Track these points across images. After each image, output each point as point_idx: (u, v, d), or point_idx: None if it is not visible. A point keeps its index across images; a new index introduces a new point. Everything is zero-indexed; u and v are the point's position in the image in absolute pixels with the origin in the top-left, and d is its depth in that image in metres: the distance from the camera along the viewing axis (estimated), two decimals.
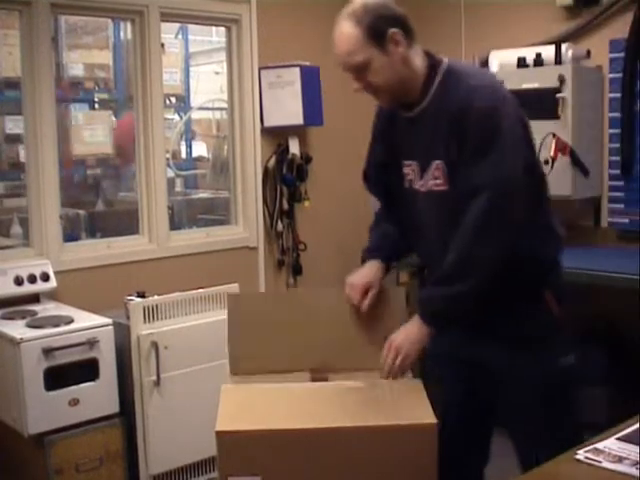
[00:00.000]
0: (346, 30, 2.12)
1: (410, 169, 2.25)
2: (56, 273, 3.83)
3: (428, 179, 2.19)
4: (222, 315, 3.61)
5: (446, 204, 2.16)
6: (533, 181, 2.17)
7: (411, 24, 2.17)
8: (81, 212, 5.49)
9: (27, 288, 3.74)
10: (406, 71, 2.15)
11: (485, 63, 4.52)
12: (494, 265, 2.06)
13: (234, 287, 3.80)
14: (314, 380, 2.26)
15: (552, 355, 2.21)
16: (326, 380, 2.26)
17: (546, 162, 3.99)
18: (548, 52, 4.18)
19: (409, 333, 2.15)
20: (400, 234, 2.40)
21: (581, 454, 1.66)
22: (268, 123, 4.72)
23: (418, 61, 2.18)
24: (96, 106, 6.14)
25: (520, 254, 2.09)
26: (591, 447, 1.70)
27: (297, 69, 4.61)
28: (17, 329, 3.35)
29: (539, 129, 4.02)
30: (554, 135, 3.98)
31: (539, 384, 2.19)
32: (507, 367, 2.21)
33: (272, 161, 4.81)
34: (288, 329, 2.36)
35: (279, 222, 4.86)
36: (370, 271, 2.38)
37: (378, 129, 2.41)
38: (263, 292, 4.61)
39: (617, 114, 4.24)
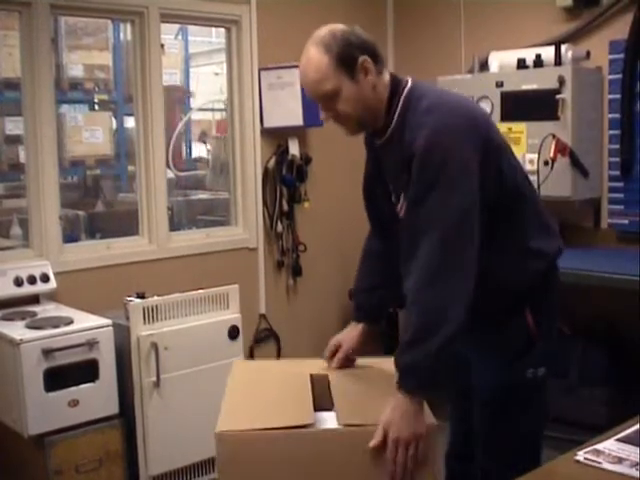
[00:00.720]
0: (315, 58, 2.07)
1: (392, 190, 2.25)
2: (56, 274, 3.83)
3: (402, 207, 2.16)
4: (222, 316, 3.66)
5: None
6: (502, 205, 2.10)
7: (379, 51, 2.12)
8: (81, 213, 5.50)
9: (27, 289, 3.74)
10: (375, 99, 2.10)
11: (485, 64, 4.52)
12: (462, 309, 1.94)
13: (234, 288, 3.80)
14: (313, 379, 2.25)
15: (519, 366, 2.18)
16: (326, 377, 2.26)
17: (546, 163, 4.00)
18: (548, 53, 4.18)
19: (404, 417, 1.91)
20: (388, 267, 2.32)
21: (581, 455, 1.66)
22: (268, 124, 4.72)
23: (384, 88, 2.12)
24: (96, 107, 6.15)
25: (493, 281, 2.08)
26: (591, 448, 1.70)
27: (297, 70, 4.59)
28: (17, 330, 3.35)
29: (539, 130, 4.04)
30: (554, 136, 3.98)
31: (498, 393, 2.17)
32: (477, 374, 2.25)
33: (272, 162, 4.81)
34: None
35: (279, 223, 4.85)
36: (347, 335, 2.36)
37: (368, 142, 2.38)
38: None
39: (617, 115, 4.25)
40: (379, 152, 2.24)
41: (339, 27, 2.11)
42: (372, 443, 1.89)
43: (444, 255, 1.93)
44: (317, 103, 2.15)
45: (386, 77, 2.13)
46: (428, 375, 1.94)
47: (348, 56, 2.04)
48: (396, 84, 2.13)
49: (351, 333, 2.36)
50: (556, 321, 2.31)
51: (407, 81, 2.15)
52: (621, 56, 4.17)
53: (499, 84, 4.28)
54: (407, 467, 1.89)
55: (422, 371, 1.92)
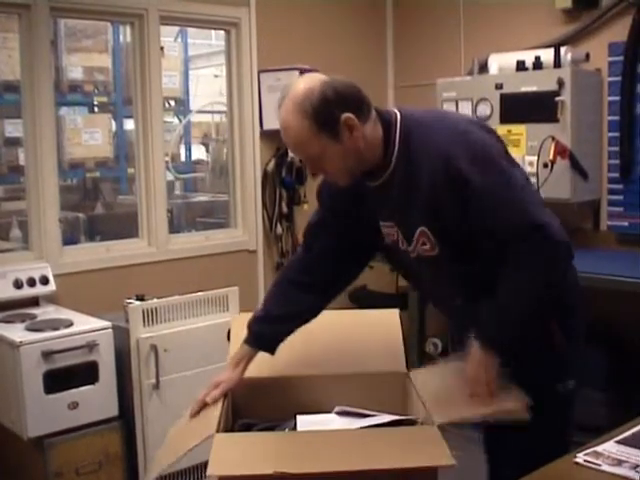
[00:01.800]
0: (293, 122, 1.92)
1: (392, 230, 2.13)
2: (55, 276, 3.83)
3: (416, 245, 2.07)
4: (221, 318, 3.66)
5: (440, 266, 2.07)
6: None
7: (361, 94, 1.97)
8: (80, 215, 5.50)
9: (26, 291, 3.74)
10: (364, 150, 1.98)
11: (484, 66, 4.52)
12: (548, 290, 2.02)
13: (233, 290, 3.80)
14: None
15: (549, 381, 2.15)
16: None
17: (545, 165, 4.00)
18: (547, 55, 4.18)
19: (486, 360, 2.01)
20: (309, 300, 2.26)
21: (580, 457, 1.66)
22: (267, 126, 4.72)
23: (373, 131, 1.99)
24: (95, 109, 6.15)
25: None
26: (590, 450, 1.69)
27: (296, 72, 4.60)
28: (16, 332, 3.35)
29: (538, 132, 4.04)
30: (553, 138, 3.98)
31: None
32: None
33: (271, 164, 4.81)
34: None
35: (278, 225, 4.85)
36: (229, 373, 2.22)
37: (325, 198, 2.29)
38: None
39: (616, 117, 4.24)
40: (371, 193, 2.11)
41: (316, 82, 1.93)
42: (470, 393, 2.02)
43: (543, 241, 1.92)
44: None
45: (373, 119, 2.00)
46: (508, 339, 2.01)
47: (327, 116, 1.90)
48: (386, 121, 2.02)
49: (235, 372, 2.21)
50: (582, 330, 2.25)
51: (395, 114, 2.04)
52: (620, 58, 4.17)
53: (498, 86, 4.28)
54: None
55: (504, 336, 2.00)
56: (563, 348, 2.15)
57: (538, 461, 1.70)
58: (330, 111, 1.90)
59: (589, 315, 2.30)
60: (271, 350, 2.24)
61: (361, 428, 2.05)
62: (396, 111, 2.06)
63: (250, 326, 2.25)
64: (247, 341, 2.24)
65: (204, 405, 2.17)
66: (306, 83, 1.94)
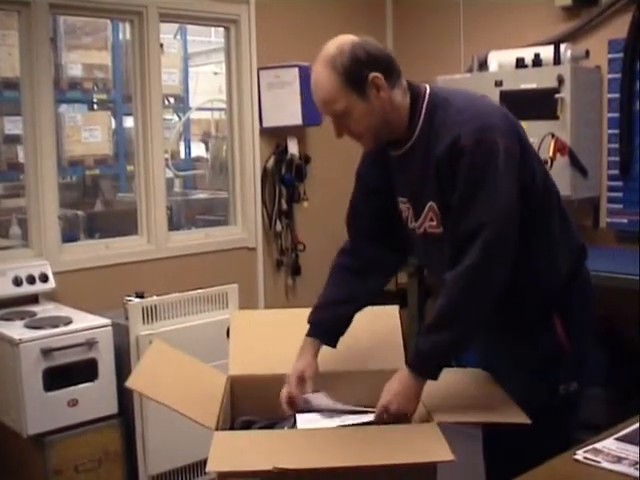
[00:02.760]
0: (322, 77, 1.99)
1: (405, 207, 2.18)
2: (55, 274, 3.83)
3: (423, 221, 2.11)
4: (221, 315, 3.66)
5: (443, 246, 2.08)
6: (531, 206, 2.06)
7: (392, 60, 2.04)
8: (80, 213, 5.50)
9: (26, 289, 3.74)
10: (390, 113, 2.03)
11: (484, 63, 4.52)
12: (488, 304, 1.99)
13: (233, 288, 3.80)
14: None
15: (551, 382, 2.15)
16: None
17: (545, 162, 3.99)
18: (547, 52, 4.17)
19: (408, 390, 2.01)
20: (359, 284, 2.29)
21: (580, 454, 1.66)
22: (267, 123, 4.72)
23: (401, 98, 2.05)
24: (95, 107, 6.15)
25: (524, 280, 2.06)
26: (590, 447, 1.69)
27: (296, 69, 4.61)
28: (16, 330, 3.35)
29: (538, 129, 4.03)
30: (553, 135, 3.98)
31: (527, 412, 2.04)
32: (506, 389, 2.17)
33: (271, 161, 4.81)
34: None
35: (278, 222, 4.85)
36: (306, 362, 2.21)
37: (362, 177, 2.33)
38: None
39: (616, 114, 4.24)
40: (394, 164, 2.17)
41: (348, 42, 2.00)
42: (375, 417, 2.00)
43: (488, 257, 1.93)
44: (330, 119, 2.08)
45: (403, 88, 2.06)
46: (441, 362, 2.00)
47: (357, 74, 1.96)
48: (415, 93, 2.07)
49: (307, 358, 2.21)
50: (589, 330, 2.24)
51: (425, 88, 2.10)
52: (620, 55, 4.17)
53: (498, 83, 4.27)
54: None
55: (438, 357, 2.00)
56: (566, 349, 2.14)
57: (535, 462, 1.70)
58: (358, 69, 1.96)
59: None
60: (330, 338, 2.24)
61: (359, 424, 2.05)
62: (426, 86, 2.11)
63: (309, 318, 2.27)
64: (308, 334, 2.25)
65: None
66: (338, 42, 2.01)
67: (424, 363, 2.01)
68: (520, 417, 1.99)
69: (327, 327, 2.26)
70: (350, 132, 2.07)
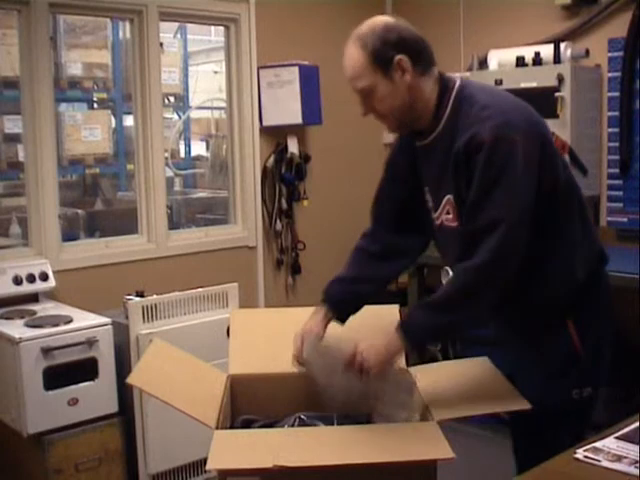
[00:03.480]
0: (351, 54, 2.05)
1: (428, 196, 2.20)
2: (55, 273, 3.83)
3: (440, 213, 2.14)
4: (221, 314, 3.66)
5: (457, 240, 2.08)
6: (550, 205, 2.06)
7: (425, 48, 2.07)
8: (80, 212, 5.50)
9: (26, 288, 3.74)
10: (413, 99, 2.05)
11: (484, 62, 4.52)
12: (490, 302, 2.01)
13: (233, 286, 3.80)
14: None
15: (563, 384, 2.14)
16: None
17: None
18: (547, 51, 4.18)
19: (383, 348, 2.04)
20: (378, 267, 2.32)
21: (580, 453, 1.66)
22: (267, 122, 4.72)
23: (429, 87, 2.07)
24: (95, 105, 6.15)
25: (541, 279, 2.08)
26: (590, 446, 1.69)
27: (296, 68, 4.61)
28: (16, 329, 3.35)
29: None
30: (553, 134, 3.95)
31: (539, 414, 2.06)
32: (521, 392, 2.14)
33: (271, 160, 4.81)
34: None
35: (278, 221, 4.85)
36: (312, 322, 2.25)
37: (390, 165, 2.36)
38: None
39: (616, 113, 4.24)
40: (419, 154, 2.18)
41: (381, 22, 2.06)
42: (346, 358, 2.03)
43: (499, 255, 1.93)
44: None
45: (433, 77, 2.08)
46: (430, 339, 2.10)
47: (383, 54, 2.01)
48: (445, 85, 2.09)
49: (316, 320, 2.24)
50: (605, 336, 2.23)
51: (455, 81, 2.11)
52: (620, 54, 4.17)
53: (498, 82, 4.27)
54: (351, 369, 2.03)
55: (431, 334, 2.08)
56: (580, 353, 2.13)
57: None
58: (386, 49, 2.01)
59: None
60: (340, 312, 2.27)
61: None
62: (458, 79, 2.12)
63: (324, 290, 2.31)
64: (320, 303, 2.28)
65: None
66: (372, 21, 2.08)
67: (416, 333, 2.04)
68: (520, 403, 1.99)
69: (339, 300, 2.28)
70: (374, 111, 2.10)
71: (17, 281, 3.70)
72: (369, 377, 2.03)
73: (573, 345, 2.12)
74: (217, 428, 1.97)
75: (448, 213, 2.11)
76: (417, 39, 2.06)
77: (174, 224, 5.27)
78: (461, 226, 2.07)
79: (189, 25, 6.71)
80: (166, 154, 5.11)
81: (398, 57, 2.00)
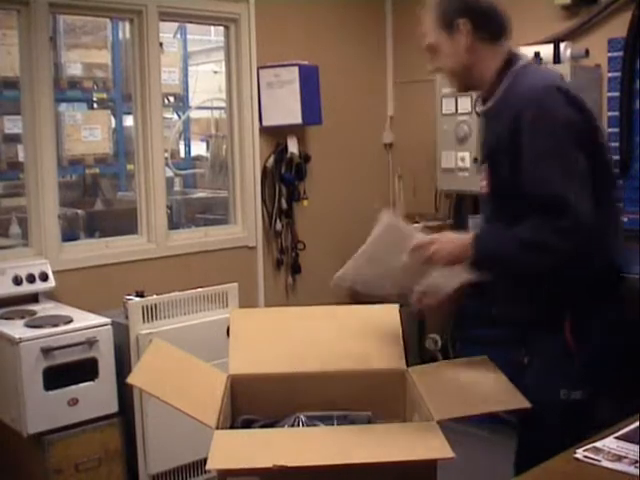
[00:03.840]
0: (424, 13, 2.23)
1: (480, 159, 2.37)
2: (55, 273, 3.83)
3: (482, 178, 2.25)
4: (221, 314, 3.66)
5: (488, 207, 2.23)
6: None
7: (494, 19, 2.22)
8: (80, 212, 5.50)
9: (26, 288, 3.74)
10: (472, 62, 2.20)
11: None
12: (554, 266, 2.03)
13: (233, 286, 3.80)
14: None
15: (552, 385, 2.13)
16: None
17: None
18: (547, 51, 4.17)
19: (455, 250, 2.09)
20: None
21: (580, 453, 1.66)
22: (267, 122, 4.72)
23: (491, 56, 2.20)
24: (95, 105, 6.15)
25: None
26: (590, 446, 1.70)
27: (296, 68, 4.61)
28: (16, 329, 3.35)
29: None
30: None
31: (534, 412, 2.06)
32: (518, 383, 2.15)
33: (271, 160, 4.80)
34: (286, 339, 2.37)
35: (278, 221, 4.85)
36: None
37: None
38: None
39: (616, 113, 4.24)
40: (480, 119, 2.36)
41: None
42: (416, 242, 2.11)
43: (585, 227, 1.97)
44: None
45: (499, 48, 2.21)
46: (493, 264, 2.09)
47: (448, 16, 2.17)
48: (510, 59, 2.21)
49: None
50: (600, 334, 2.17)
51: (520, 59, 2.22)
52: (620, 54, 4.17)
53: None
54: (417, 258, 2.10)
55: (495, 259, 2.09)
56: (573, 354, 2.12)
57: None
58: (451, 11, 2.18)
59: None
60: None
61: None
62: (523, 58, 2.25)
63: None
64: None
65: None
66: None
67: (484, 255, 2.07)
68: (519, 402, 1.99)
69: None
70: (439, 69, 2.27)
71: (17, 281, 3.70)
72: (428, 267, 2.12)
73: (566, 344, 2.12)
74: (217, 428, 1.97)
75: (483, 180, 2.23)
76: (487, 9, 2.21)
77: (174, 224, 5.27)
78: (491, 195, 2.19)
79: (189, 25, 6.71)
80: (166, 154, 5.11)
81: (461, 20, 2.16)
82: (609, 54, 4.26)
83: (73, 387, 3.37)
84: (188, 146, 7.43)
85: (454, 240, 2.12)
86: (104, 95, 5.95)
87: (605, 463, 1.62)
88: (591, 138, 2.10)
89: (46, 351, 3.27)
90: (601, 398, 2.19)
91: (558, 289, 2.10)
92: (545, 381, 2.14)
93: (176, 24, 6.83)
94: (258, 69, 4.68)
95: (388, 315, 2.49)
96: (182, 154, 7.34)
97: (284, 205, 4.85)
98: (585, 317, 2.14)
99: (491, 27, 2.21)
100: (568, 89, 2.13)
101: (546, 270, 2.04)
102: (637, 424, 1.79)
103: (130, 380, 2.13)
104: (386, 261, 2.16)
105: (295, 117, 4.67)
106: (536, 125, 2.03)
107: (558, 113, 2.04)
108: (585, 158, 2.04)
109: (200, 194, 6.60)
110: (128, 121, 5.68)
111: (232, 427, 2.18)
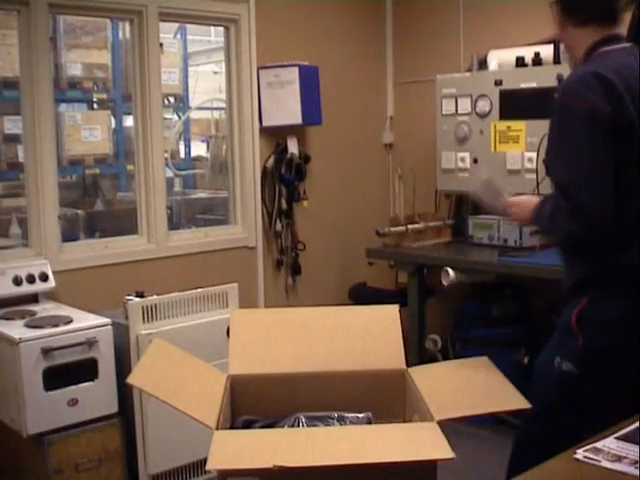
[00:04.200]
0: None
1: None
2: (55, 273, 3.83)
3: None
4: (221, 315, 3.66)
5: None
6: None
7: (587, 4, 2.32)
8: (80, 212, 5.50)
9: (26, 288, 3.74)
10: (565, 43, 2.43)
11: (484, 62, 4.52)
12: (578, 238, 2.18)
13: (233, 287, 3.80)
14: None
15: (552, 353, 2.23)
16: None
17: (544, 162, 3.99)
18: (547, 51, 4.17)
19: (525, 214, 2.40)
20: None
21: (580, 453, 1.66)
22: (267, 123, 4.72)
23: (580, 39, 2.31)
24: (95, 106, 6.15)
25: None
26: (590, 446, 1.69)
27: (296, 69, 4.61)
28: (16, 329, 3.35)
29: (538, 128, 4.04)
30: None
31: (537, 379, 2.25)
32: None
33: (271, 161, 4.80)
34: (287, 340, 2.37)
35: (278, 222, 4.85)
36: None
37: None
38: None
39: None
40: None
41: None
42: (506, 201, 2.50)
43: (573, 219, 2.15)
44: None
45: (592, 33, 2.28)
46: (548, 230, 2.47)
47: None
48: (597, 45, 2.27)
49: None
50: (600, 323, 2.18)
51: (607, 45, 2.26)
52: None
53: (498, 82, 4.28)
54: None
55: (542, 228, 2.46)
56: (575, 332, 2.18)
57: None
58: None
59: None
60: None
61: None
62: (607, 47, 2.27)
63: None
64: None
65: None
66: None
67: (535, 221, 2.37)
68: (519, 402, 2.00)
69: None
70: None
71: (17, 282, 3.70)
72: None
73: (571, 321, 2.20)
74: (217, 428, 1.97)
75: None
76: None
77: (174, 224, 5.27)
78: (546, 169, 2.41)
79: (189, 25, 6.71)
80: (166, 154, 5.10)
81: (553, 2, 2.39)
82: None
83: (73, 387, 3.37)
84: (188, 146, 7.42)
85: (529, 205, 2.38)
86: (104, 95, 5.95)
87: (605, 463, 1.62)
88: (625, 130, 2.11)
89: (46, 351, 3.27)
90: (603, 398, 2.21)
91: (586, 270, 2.21)
92: (548, 347, 2.26)
93: (176, 24, 6.83)
94: (258, 69, 4.69)
95: (388, 315, 2.49)
96: (182, 154, 7.33)
97: (284, 205, 4.85)
98: (597, 305, 2.18)
99: (582, 12, 2.31)
100: (614, 80, 2.12)
101: (563, 243, 2.32)
102: (637, 424, 1.79)
103: (130, 380, 2.13)
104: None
105: (295, 117, 4.67)
106: (558, 111, 2.21)
107: (584, 102, 2.12)
108: (612, 149, 2.10)
109: (200, 194, 6.60)
110: (128, 121, 5.68)
111: (232, 427, 2.18)
